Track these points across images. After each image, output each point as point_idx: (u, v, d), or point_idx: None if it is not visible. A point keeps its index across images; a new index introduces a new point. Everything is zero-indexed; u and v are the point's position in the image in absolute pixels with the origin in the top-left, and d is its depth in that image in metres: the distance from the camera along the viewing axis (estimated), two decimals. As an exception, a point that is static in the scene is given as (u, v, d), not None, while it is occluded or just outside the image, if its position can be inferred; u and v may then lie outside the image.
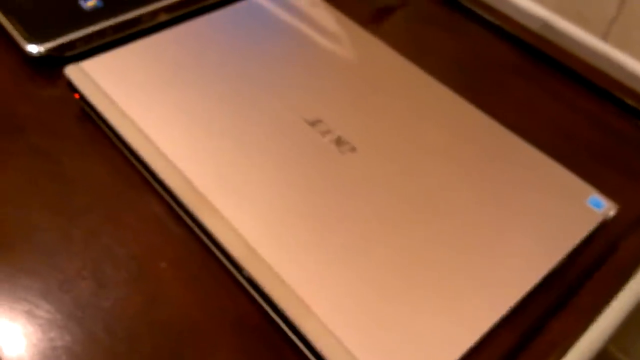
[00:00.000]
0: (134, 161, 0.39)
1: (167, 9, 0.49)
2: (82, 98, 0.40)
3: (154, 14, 0.48)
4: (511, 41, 0.53)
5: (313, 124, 0.40)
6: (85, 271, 0.34)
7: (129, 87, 0.40)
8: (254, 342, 0.32)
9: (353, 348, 0.29)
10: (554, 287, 0.36)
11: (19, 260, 0.34)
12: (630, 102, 0.48)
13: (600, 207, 0.37)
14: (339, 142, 0.39)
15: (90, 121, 0.42)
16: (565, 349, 0.33)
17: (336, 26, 0.48)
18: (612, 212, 0.37)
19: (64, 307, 0.32)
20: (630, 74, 0.50)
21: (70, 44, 0.45)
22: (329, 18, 0.49)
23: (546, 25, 0.54)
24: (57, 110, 0.42)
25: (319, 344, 0.30)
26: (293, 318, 0.30)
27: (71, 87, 0.41)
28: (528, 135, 0.44)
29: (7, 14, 0.46)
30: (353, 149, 0.38)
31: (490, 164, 0.39)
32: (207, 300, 0.33)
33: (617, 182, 0.42)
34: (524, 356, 0.33)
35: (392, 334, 0.30)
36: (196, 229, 0.36)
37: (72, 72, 0.41)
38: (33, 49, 0.44)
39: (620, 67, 0.51)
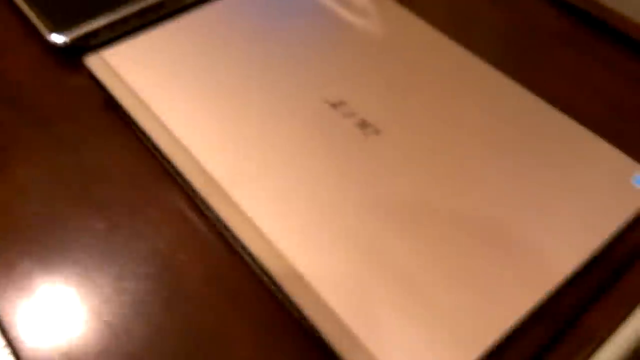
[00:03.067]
0: (156, 152, 0.38)
1: (191, -10, 0.48)
2: (103, 89, 0.40)
3: (177, -3, 0.47)
4: (559, 6, 0.49)
5: (335, 105, 0.38)
6: (106, 265, 0.34)
7: (149, 76, 0.40)
8: (276, 339, 0.31)
9: (372, 347, 0.28)
10: (595, 273, 0.33)
11: (39, 255, 0.34)
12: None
13: (647, 186, 0.34)
14: (363, 124, 0.37)
15: (114, 111, 0.41)
16: (603, 339, 0.31)
17: (364, 1, 0.46)
18: (661, 192, 0.34)
19: (85, 302, 0.33)
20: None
21: (94, 32, 0.45)
22: (355, -9, 0.46)
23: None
24: (81, 101, 0.42)
25: (338, 345, 0.29)
26: (311, 316, 0.29)
27: (93, 77, 0.41)
28: (577, 108, 0.41)
29: (29, 2, 0.46)
30: (377, 132, 0.36)
31: (529, 142, 0.36)
32: (230, 296, 0.33)
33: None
34: (559, 348, 0.31)
35: (420, 330, 0.29)
36: (217, 224, 0.35)
37: (93, 62, 0.41)
38: (57, 38, 0.44)
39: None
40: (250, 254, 0.32)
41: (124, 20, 0.46)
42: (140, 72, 0.40)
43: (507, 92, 0.39)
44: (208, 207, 0.35)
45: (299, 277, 0.30)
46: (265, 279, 0.33)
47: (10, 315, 0.32)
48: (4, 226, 0.36)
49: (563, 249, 0.32)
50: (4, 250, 0.35)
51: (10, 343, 0.31)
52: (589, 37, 0.47)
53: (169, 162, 0.37)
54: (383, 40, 0.42)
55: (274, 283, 0.32)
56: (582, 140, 0.36)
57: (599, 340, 0.31)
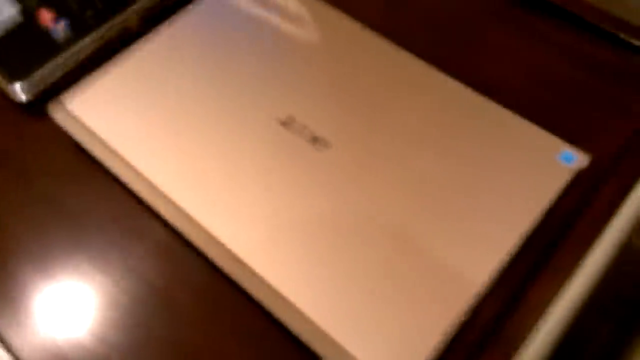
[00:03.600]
0: (130, 191, 0.42)
1: (135, 16, 0.50)
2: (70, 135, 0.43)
3: (124, 26, 0.49)
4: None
5: (286, 123, 0.41)
6: (107, 305, 0.38)
7: (109, 117, 0.42)
8: (262, 350, 0.36)
9: (342, 341, 0.33)
10: (532, 249, 0.38)
11: (45, 302, 0.38)
12: (607, 27, 0.47)
13: (571, 160, 0.38)
14: (313, 139, 0.40)
15: (85, 154, 0.44)
16: (546, 306, 0.36)
17: (299, 7, 0.48)
18: (584, 164, 0.38)
19: (93, 341, 0.37)
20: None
21: (50, 76, 0.47)
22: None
23: None
24: (52, 148, 0.45)
25: (315, 344, 0.33)
26: (283, 319, 0.34)
27: (58, 125, 0.43)
28: (506, 86, 0.44)
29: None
30: (327, 145, 0.40)
31: (461, 132, 0.40)
32: (219, 316, 0.37)
33: (599, 122, 0.43)
34: (509, 321, 0.36)
35: (383, 326, 0.33)
36: (195, 249, 0.39)
37: (55, 111, 0.43)
38: (17, 92, 0.46)
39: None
40: (228, 275, 0.37)
41: (76, 59, 0.48)
42: (100, 113, 0.43)
43: (438, 87, 0.42)
44: (184, 235, 0.39)
45: (265, 284, 0.35)
46: (242, 290, 0.37)
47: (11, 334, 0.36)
48: (3, 280, 0.39)
49: (504, 228, 0.36)
50: None
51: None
52: (521, 14, 0.50)
53: (143, 199, 0.40)
54: (321, 48, 0.45)
55: (247, 293, 0.36)
56: (510, 124, 0.40)
57: (544, 307, 0.36)
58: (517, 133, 0.40)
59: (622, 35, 0.46)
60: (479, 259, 0.35)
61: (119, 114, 0.43)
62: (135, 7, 0.50)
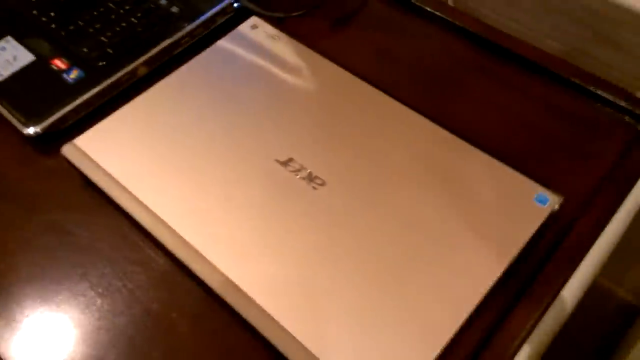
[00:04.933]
0: (135, 224, 0.44)
1: (144, 64, 0.54)
2: (81, 173, 0.46)
3: (134, 73, 0.53)
4: (468, 38, 0.57)
5: (285, 163, 0.45)
6: (109, 332, 0.40)
7: (119, 156, 0.46)
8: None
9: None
10: (511, 283, 0.41)
11: (49, 329, 0.40)
12: (579, 81, 0.51)
13: (545, 202, 0.42)
14: (310, 178, 0.44)
15: (93, 189, 0.47)
16: (525, 337, 0.39)
17: (297, 58, 0.52)
18: (557, 206, 0.42)
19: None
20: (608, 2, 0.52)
21: (63, 119, 0.50)
22: (290, 51, 0.53)
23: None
24: (62, 183, 0.48)
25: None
26: (280, 347, 0.36)
27: (71, 164, 0.46)
28: (485, 133, 0.48)
29: (1, 101, 0.51)
30: (323, 183, 0.43)
31: (445, 173, 0.43)
32: (217, 344, 0.40)
33: (568, 165, 0.47)
34: (487, 352, 0.38)
35: (373, 352, 0.36)
36: (197, 280, 0.41)
37: (68, 151, 0.46)
38: (31, 130, 0.49)
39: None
40: (228, 304, 0.39)
41: (88, 102, 0.51)
42: (111, 154, 0.46)
43: (423, 131, 0.46)
44: (188, 268, 0.41)
45: (260, 310, 0.38)
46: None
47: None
48: (10, 307, 0.42)
49: (485, 264, 0.39)
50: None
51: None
52: (498, 65, 0.54)
53: (151, 235, 0.43)
54: (318, 96, 0.49)
55: (247, 322, 0.38)
56: (489, 167, 0.44)
57: (522, 338, 0.39)
58: (496, 176, 0.43)
59: (591, 88, 0.51)
60: (462, 292, 0.38)
61: (127, 154, 0.46)
62: (144, 57, 0.54)
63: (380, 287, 0.38)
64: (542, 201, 0.42)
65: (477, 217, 0.41)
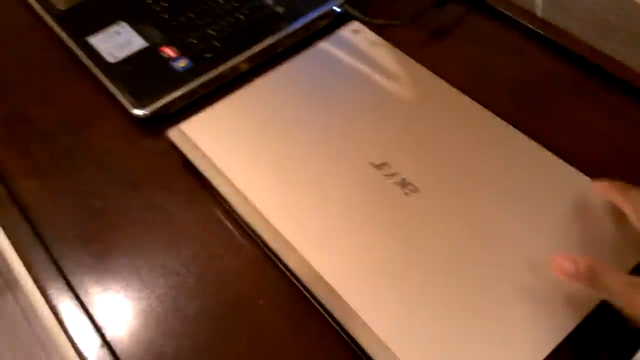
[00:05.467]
0: (229, 209, 0.46)
1: (246, 60, 0.56)
2: (183, 156, 0.48)
3: (236, 67, 0.55)
4: (568, 58, 0.56)
5: (379, 167, 0.46)
6: (198, 311, 0.42)
7: (221, 144, 0.48)
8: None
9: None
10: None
11: (138, 301, 0.43)
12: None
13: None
14: (403, 183, 0.44)
15: (192, 173, 0.49)
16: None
17: (397, 65, 0.53)
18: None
19: (181, 343, 0.41)
20: None
21: (169, 104, 0.53)
22: (389, 57, 0.54)
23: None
24: (163, 164, 0.51)
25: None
26: (366, 348, 0.37)
27: (173, 146, 0.49)
28: (582, 155, 0.47)
29: (113, 81, 0.54)
30: (416, 190, 0.44)
31: (541, 195, 0.43)
32: (302, 336, 0.41)
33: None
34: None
35: None
36: (287, 272, 0.43)
37: (174, 134, 0.49)
38: (140, 112, 0.52)
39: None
40: (314, 296, 0.40)
41: (193, 91, 0.54)
42: (214, 141, 0.48)
43: (519, 147, 0.46)
44: (278, 258, 0.43)
45: (355, 316, 0.38)
46: (327, 317, 0.41)
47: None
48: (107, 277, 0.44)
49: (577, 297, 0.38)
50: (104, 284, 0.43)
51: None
52: (596, 87, 0.54)
53: (244, 221, 0.45)
54: (415, 104, 0.50)
55: (334, 319, 0.39)
56: (586, 188, 0.43)
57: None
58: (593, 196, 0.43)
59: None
60: (554, 319, 0.38)
61: (228, 143, 0.48)
62: (248, 52, 0.56)
63: (465, 299, 0.39)
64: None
65: (573, 242, 0.41)
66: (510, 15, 0.59)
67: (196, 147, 0.48)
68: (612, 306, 0.36)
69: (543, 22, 0.59)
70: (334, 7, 0.60)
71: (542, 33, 0.57)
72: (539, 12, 0.60)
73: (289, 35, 0.58)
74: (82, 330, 0.42)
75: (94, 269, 0.45)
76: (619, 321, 0.37)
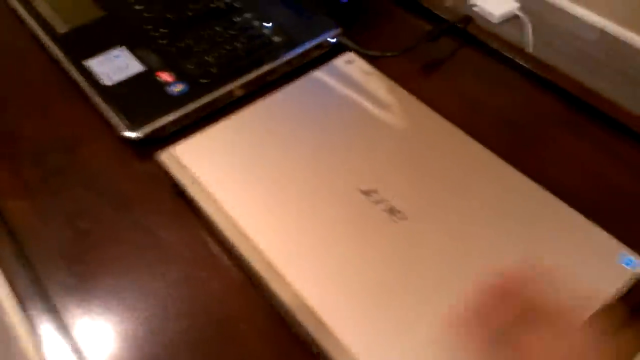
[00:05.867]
0: (218, 234, 0.46)
1: (241, 86, 0.57)
2: (172, 179, 0.48)
3: (230, 93, 0.56)
4: (557, 93, 0.57)
5: (368, 193, 0.46)
6: (178, 334, 0.42)
7: (212, 168, 0.48)
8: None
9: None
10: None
11: (120, 324, 0.42)
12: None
13: (631, 264, 0.41)
14: (391, 211, 0.44)
15: (181, 197, 0.49)
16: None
17: (389, 95, 0.54)
18: (641, 269, 0.41)
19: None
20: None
21: (163, 127, 0.53)
22: (382, 87, 0.54)
23: (604, 32, 0.56)
24: (153, 187, 0.51)
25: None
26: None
27: (163, 169, 0.49)
28: (570, 189, 0.48)
29: (107, 103, 0.55)
30: (404, 218, 0.44)
31: (528, 227, 0.43)
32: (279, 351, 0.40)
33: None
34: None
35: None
36: (271, 296, 0.42)
37: (164, 157, 0.49)
38: (133, 134, 0.52)
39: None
40: (300, 324, 0.40)
41: (187, 115, 0.54)
42: (205, 165, 0.48)
43: (508, 179, 0.46)
44: (264, 283, 0.42)
45: (340, 344, 0.38)
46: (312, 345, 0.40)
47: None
48: (89, 299, 0.44)
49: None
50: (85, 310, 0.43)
51: None
52: (584, 122, 0.54)
53: (231, 245, 0.44)
54: (405, 133, 0.50)
55: (320, 348, 0.39)
56: (574, 223, 0.43)
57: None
58: (579, 231, 0.43)
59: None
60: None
61: (219, 167, 0.48)
62: (243, 79, 0.57)
63: (453, 332, 0.38)
64: (628, 263, 0.41)
65: (557, 269, 0.41)
66: (501, 50, 0.60)
67: (186, 170, 0.48)
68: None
69: (533, 58, 0.60)
70: (329, 38, 0.61)
71: (531, 69, 0.58)
72: (529, 49, 0.61)
73: (284, 64, 0.59)
74: (60, 352, 0.41)
75: (77, 290, 0.44)
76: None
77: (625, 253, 0.41)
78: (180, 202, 0.49)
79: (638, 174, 0.50)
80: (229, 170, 0.48)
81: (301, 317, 0.40)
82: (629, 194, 0.48)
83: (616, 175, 0.50)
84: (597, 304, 0.39)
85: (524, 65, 0.59)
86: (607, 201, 0.48)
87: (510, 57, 0.60)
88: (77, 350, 0.41)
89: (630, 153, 0.51)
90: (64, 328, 0.42)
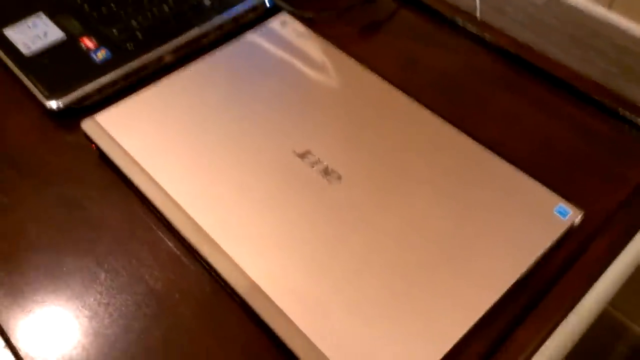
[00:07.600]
0: (148, 204, 0.44)
1: (171, 52, 0.54)
2: (98, 149, 0.46)
3: (160, 59, 0.53)
4: (496, 52, 0.56)
5: (302, 155, 0.44)
6: (111, 307, 0.40)
7: (138, 136, 0.45)
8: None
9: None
10: (522, 295, 0.40)
11: (51, 301, 0.40)
12: (608, 103, 0.50)
13: (566, 215, 0.41)
14: (326, 172, 0.43)
15: (108, 166, 0.47)
16: (532, 353, 0.37)
17: (324, 57, 0.52)
18: (577, 219, 0.41)
19: (94, 342, 0.38)
20: (637, 40, 0.52)
21: (86, 96, 0.50)
22: (317, 48, 0.53)
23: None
24: (78, 158, 0.48)
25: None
26: (287, 341, 0.35)
27: (88, 139, 0.46)
28: (509, 146, 0.47)
29: (26, 73, 0.51)
30: (339, 178, 0.43)
31: (465, 183, 0.42)
32: (218, 329, 0.39)
33: (591, 185, 0.46)
34: None
35: (378, 351, 0.35)
36: (204, 264, 0.41)
37: (88, 126, 0.46)
38: (53, 104, 0.49)
39: (625, 34, 0.53)
40: (234, 291, 0.38)
41: (112, 83, 0.51)
42: (130, 133, 0.46)
43: (445, 137, 0.45)
44: (197, 251, 0.41)
45: (275, 307, 0.36)
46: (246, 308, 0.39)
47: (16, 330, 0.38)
48: (14, 277, 0.41)
49: (498, 272, 0.38)
50: (18, 297, 0.40)
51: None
52: (524, 81, 0.54)
53: (157, 211, 0.42)
54: (341, 94, 0.49)
55: (252, 310, 0.37)
56: (512, 178, 0.43)
57: (529, 353, 0.37)
58: (517, 185, 0.42)
59: (619, 110, 0.50)
60: (471, 300, 0.37)
61: (146, 135, 0.46)
62: (172, 44, 0.54)
63: (388, 287, 0.37)
64: (563, 214, 0.41)
65: (494, 224, 0.40)
66: (441, 11, 0.59)
67: (111, 139, 0.45)
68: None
69: (473, 18, 0.59)
70: (264, 1, 0.59)
71: (469, 29, 0.57)
72: (477, 14, 0.60)
73: (216, 28, 0.56)
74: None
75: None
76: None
77: (562, 205, 0.41)
78: (109, 173, 0.47)
79: (577, 130, 0.49)
80: (156, 137, 0.46)
81: (234, 282, 0.38)
82: (567, 148, 0.48)
83: (556, 132, 0.49)
84: (535, 253, 0.39)
85: (464, 25, 0.58)
86: (548, 158, 0.47)
87: (449, 17, 0.59)
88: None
89: (571, 111, 0.51)
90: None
